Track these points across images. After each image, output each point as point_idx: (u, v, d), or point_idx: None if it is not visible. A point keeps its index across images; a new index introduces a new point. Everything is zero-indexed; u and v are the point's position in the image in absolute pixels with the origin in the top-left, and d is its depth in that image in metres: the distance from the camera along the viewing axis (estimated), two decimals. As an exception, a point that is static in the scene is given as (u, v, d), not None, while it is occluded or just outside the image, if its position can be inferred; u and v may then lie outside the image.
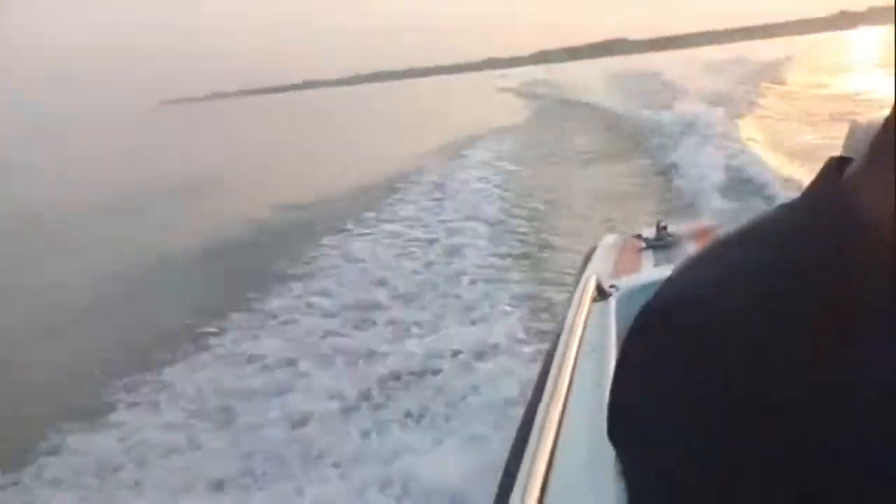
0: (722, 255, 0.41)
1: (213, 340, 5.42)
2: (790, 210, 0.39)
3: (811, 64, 31.09)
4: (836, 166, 0.38)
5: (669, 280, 0.42)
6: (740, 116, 13.58)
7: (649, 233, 2.79)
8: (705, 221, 4.44)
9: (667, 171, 9.65)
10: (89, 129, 58.33)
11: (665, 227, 2.77)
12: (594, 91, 27.65)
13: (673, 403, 0.38)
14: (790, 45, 60.78)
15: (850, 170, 0.37)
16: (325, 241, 8.10)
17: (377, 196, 10.78)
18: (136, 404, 4.50)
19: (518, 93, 38.90)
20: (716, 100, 16.78)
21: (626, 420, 0.41)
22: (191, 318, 5.93)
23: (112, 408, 4.46)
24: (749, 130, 11.95)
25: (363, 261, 7.22)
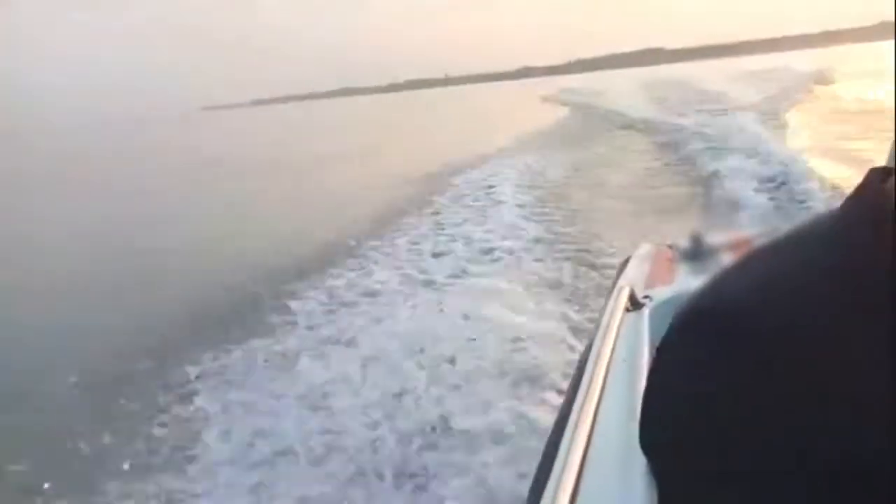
0: (761, 262, 0.40)
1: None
2: (831, 219, 0.38)
3: (854, 74, 30.19)
4: (878, 176, 0.37)
5: (705, 287, 0.40)
6: (783, 125, 13.31)
7: (684, 243, 2.73)
8: (742, 233, 4.32)
9: (708, 180, 9.54)
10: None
11: (700, 238, 2.71)
12: (631, 99, 27.37)
13: (707, 413, 0.36)
14: (831, 55, 59.10)
15: (892, 180, 0.36)
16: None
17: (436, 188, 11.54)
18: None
19: (558, 100, 38.66)
20: (758, 108, 16.44)
21: (658, 428, 0.40)
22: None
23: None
24: (793, 139, 11.72)
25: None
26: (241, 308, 6.13)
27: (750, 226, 6.64)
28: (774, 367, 0.35)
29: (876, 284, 0.34)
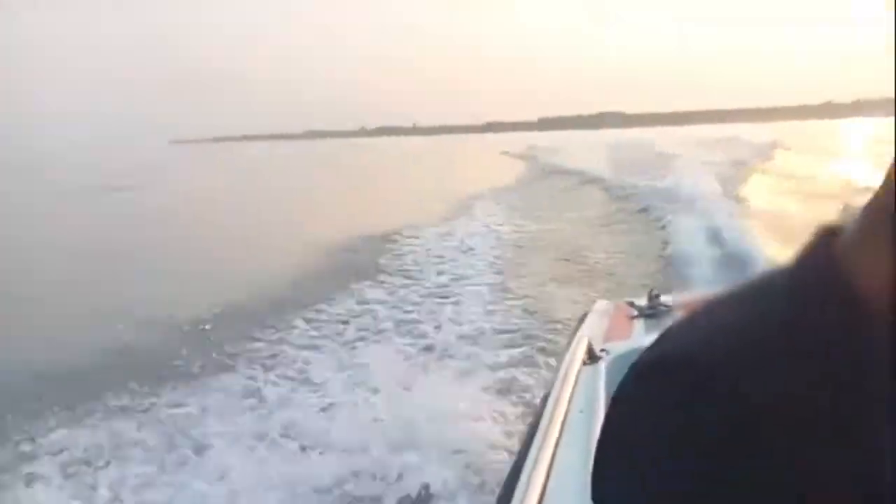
0: (715, 314, 0.40)
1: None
2: (782, 275, 0.38)
3: (802, 147, 31.85)
4: (826, 233, 0.37)
5: (662, 337, 0.40)
6: (733, 191, 13.78)
7: (641, 301, 2.77)
8: (698, 293, 4.40)
9: (660, 240, 9.72)
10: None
11: (657, 296, 2.75)
12: (592, 158, 28.17)
13: (662, 464, 0.36)
14: (781, 129, 62.33)
15: (842, 237, 0.36)
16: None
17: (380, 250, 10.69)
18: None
19: (519, 156, 39.57)
20: (709, 174, 17.09)
21: (612, 481, 0.39)
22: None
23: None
24: (742, 205, 12.12)
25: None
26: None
27: (696, 280, 6.77)
28: (732, 418, 0.34)
29: (828, 340, 0.34)
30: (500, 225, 12.66)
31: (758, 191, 15.06)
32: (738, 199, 12.79)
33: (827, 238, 0.37)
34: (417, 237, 11.38)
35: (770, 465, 0.33)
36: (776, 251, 7.82)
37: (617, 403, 0.40)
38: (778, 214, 11.77)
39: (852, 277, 0.34)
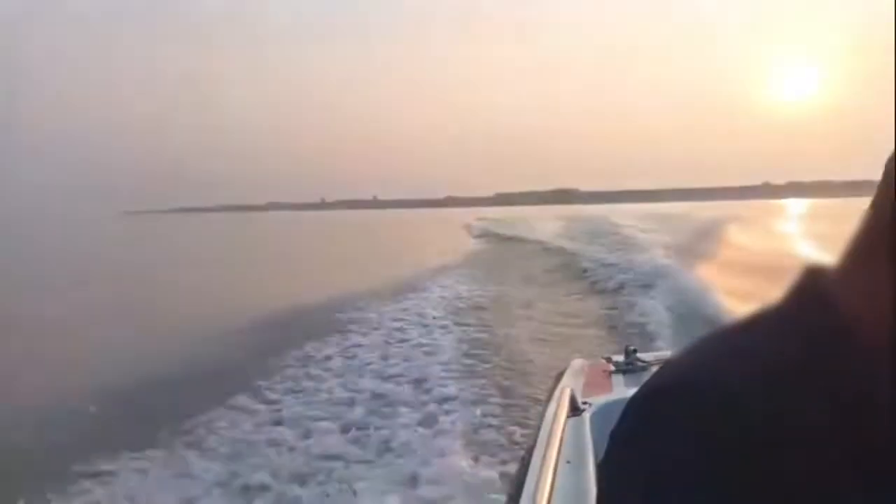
0: (711, 347, 0.40)
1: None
2: (768, 312, 0.39)
3: (744, 224, 33.24)
4: (812, 271, 0.39)
5: (660, 371, 0.41)
6: (685, 263, 14.20)
7: (619, 357, 2.80)
8: (675, 350, 4.43)
9: (618, 310, 9.90)
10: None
11: (635, 352, 2.79)
12: (550, 233, 28.80)
13: (672, 493, 0.35)
14: (720, 207, 65.26)
15: (828, 273, 0.38)
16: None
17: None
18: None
19: (479, 230, 40.10)
20: (660, 248, 17.62)
21: None
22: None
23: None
24: (695, 276, 12.48)
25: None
26: None
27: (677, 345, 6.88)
28: (741, 445, 0.34)
29: (820, 372, 0.35)
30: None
31: (707, 263, 15.57)
32: (689, 270, 13.20)
33: (813, 275, 0.39)
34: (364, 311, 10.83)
35: (783, 485, 0.33)
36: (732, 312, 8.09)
37: (617, 440, 0.40)
38: (732, 287, 12.17)
39: (840, 309, 0.36)
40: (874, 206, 0.37)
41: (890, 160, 0.39)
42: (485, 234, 35.91)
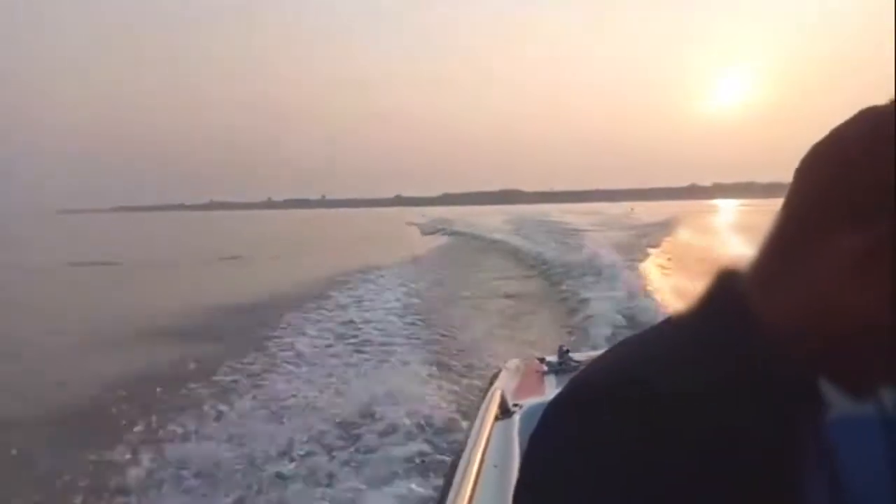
0: (629, 348, 0.39)
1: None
2: (685, 313, 0.38)
3: (678, 222, 34.26)
4: (725, 272, 0.38)
5: (576, 376, 0.39)
6: (629, 259, 14.36)
7: (552, 357, 2.78)
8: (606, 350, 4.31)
9: (565, 303, 9.85)
10: None
11: (568, 352, 2.76)
12: (497, 230, 28.92)
13: (584, 494, 0.34)
14: (651, 206, 67.42)
15: (741, 274, 0.37)
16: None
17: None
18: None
19: (425, 227, 39.96)
20: (602, 244, 17.84)
21: None
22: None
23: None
24: (638, 272, 12.59)
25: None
26: None
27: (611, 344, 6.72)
28: (655, 439, 0.33)
29: (737, 369, 0.34)
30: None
31: (648, 258, 15.81)
32: (632, 266, 13.32)
33: (726, 276, 0.38)
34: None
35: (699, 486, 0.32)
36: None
37: (533, 444, 0.39)
38: (668, 282, 12.30)
39: (755, 309, 0.35)
40: (785, 206, 0.36)
41: (804, 159, 0.37)
42: (428, 230, 35.81)
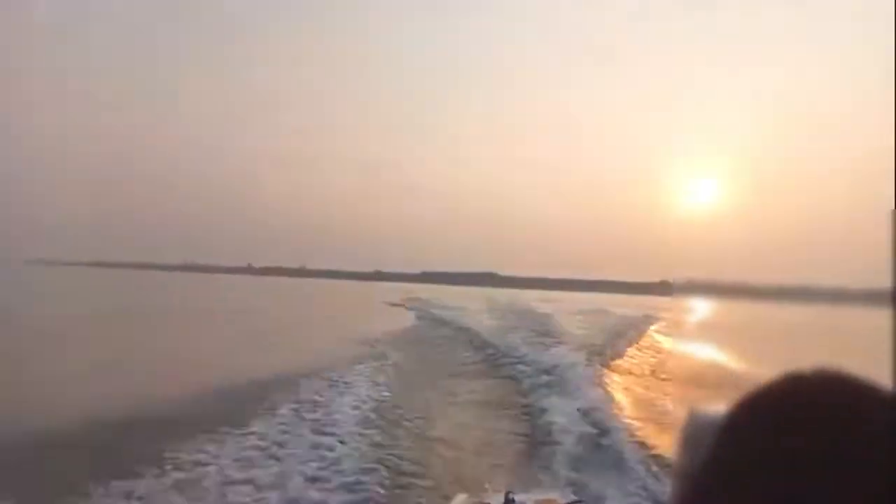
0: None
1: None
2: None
3: (651, 320, 34.46)
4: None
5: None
6: (594, 363, 14.29)
7: (497, 500, 2.78)
8: (551, 494, 4.28)
9: (526, 407, 9.71)
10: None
11: (513, 500, 2.76)
12: (468, 315, 28.79)
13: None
14: (614, 298, 68.04)
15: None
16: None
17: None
18: None
19: (402, 308, 39.69)
20: (572, 344, 17.81)
21: None
22: None
23: None
24: (603, 378, 12.52)
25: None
26: None
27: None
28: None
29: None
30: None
31: (615, 363, 15.79)
32: (598, 371, 13.26)
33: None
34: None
35: None
36: (631, 426, 7.97)
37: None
38: (634, 391, 12.26)
39: None
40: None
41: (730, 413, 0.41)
42: (404, 308, 35.53)
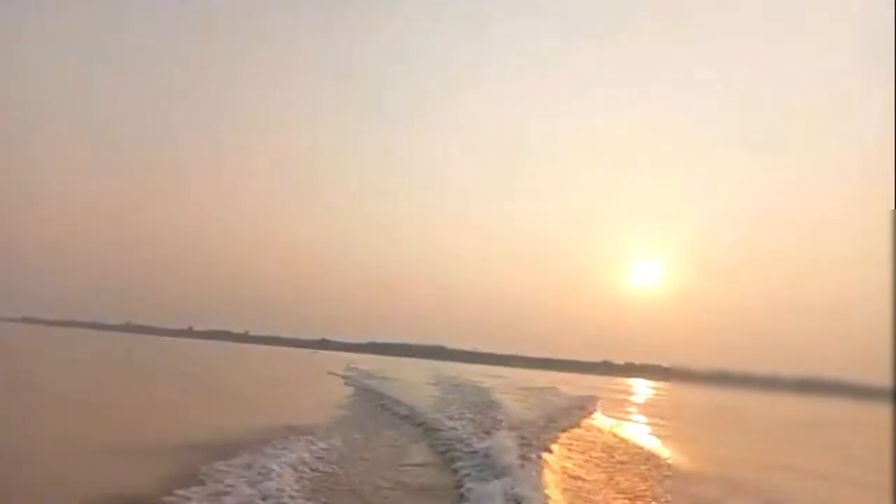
0: None
1: None
2: None
3: (592, 401, 34.42)
4: None
5: None
6: (533, 447, 14.00)
7: None
8: None
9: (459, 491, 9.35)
10: None
11: None
12: (412, 391, 28.11)
13: None
14: (562, 379, 68.00)
15: None
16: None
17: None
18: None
19: (344, 379, 38.50)
20: (514, 424, 17.45)
21: None
22: None
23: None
24: (540, 463, 12.22)
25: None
26: None
27: None
28: None
29: None
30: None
31: (555, 448, 15.51)
32: (536, 456, 12.97)
33: None
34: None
35: None
36: None
37: None
38: (573, 477, 11.98)
39: None
40: None
41: None
42: (345, 381, 34.39)
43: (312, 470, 10.28)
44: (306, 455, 11.09)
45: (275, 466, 9.55)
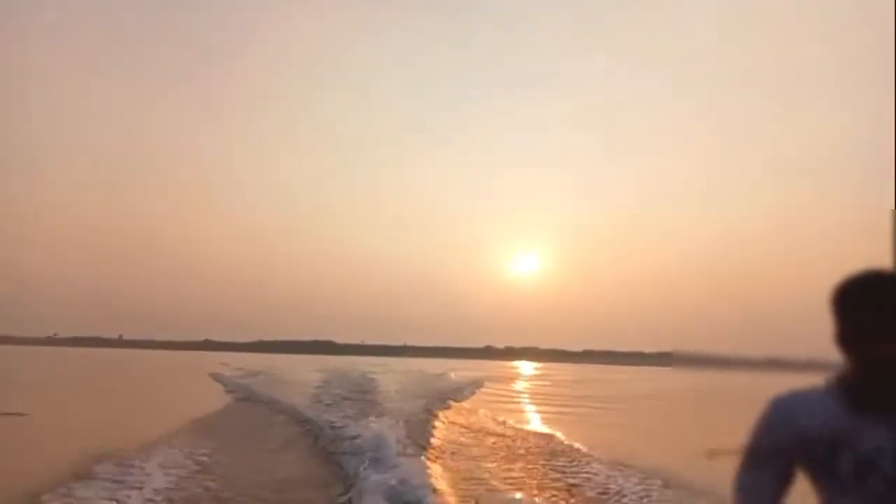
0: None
1: None
2: None
3: (479, 384, 34.49)
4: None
5: None
6: (418, 434, 13.28)
7: None
8: None
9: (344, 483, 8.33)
10: None
11: None
12: (297, 387, 26.46)
13: None
14: (451, 365, 68.87)
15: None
16: None
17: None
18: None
19: (227, 380, 35.62)
20: (400, 413, 16.65)
21: None
22: None
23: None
24: (424, 452, 11.50)
25: None
26: None
27: None
28: None
29: None
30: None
31: (439, 433, 14.90)
32: (421, 444, 12.26)
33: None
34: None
35: None
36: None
37: None
38: (457, 466, 11.36)
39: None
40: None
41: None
42: (225, 383, 31.70)
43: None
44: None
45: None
